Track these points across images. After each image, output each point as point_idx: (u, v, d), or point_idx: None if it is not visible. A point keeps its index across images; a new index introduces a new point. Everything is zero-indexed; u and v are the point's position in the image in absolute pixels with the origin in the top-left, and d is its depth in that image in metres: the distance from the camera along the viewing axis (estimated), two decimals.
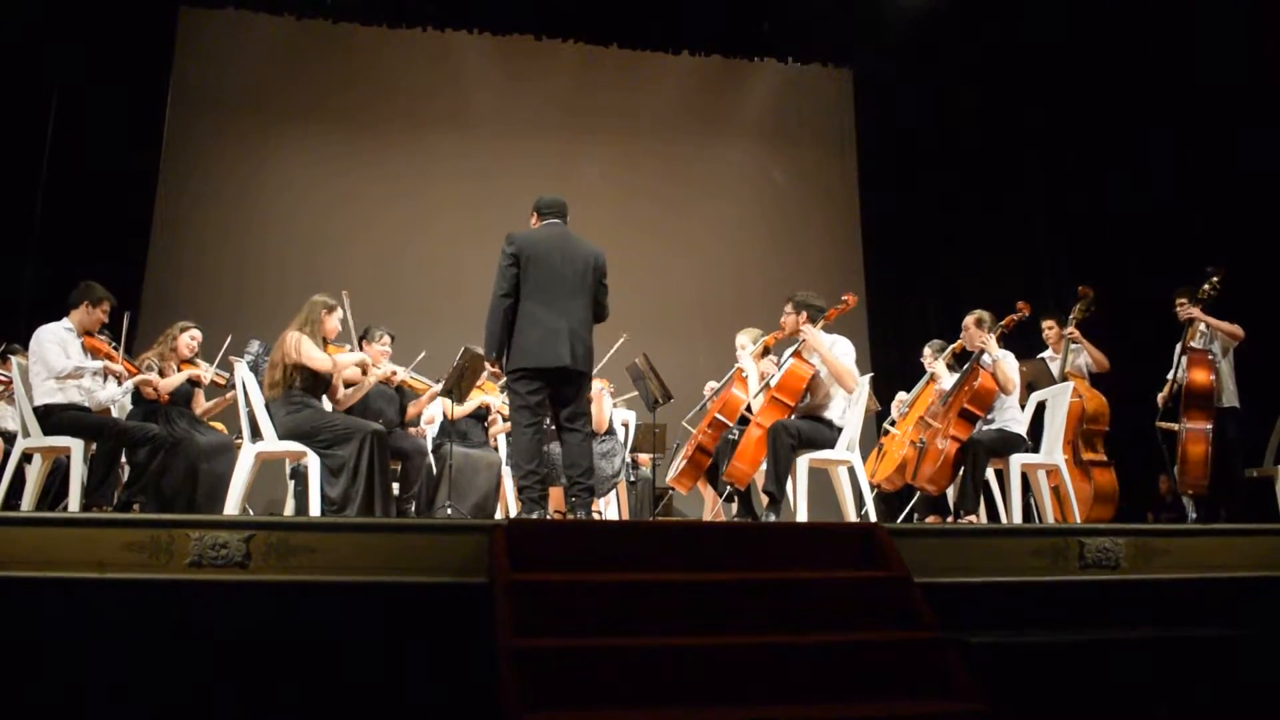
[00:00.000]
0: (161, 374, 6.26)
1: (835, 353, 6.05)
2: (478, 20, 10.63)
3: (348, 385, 6.04)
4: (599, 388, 7.09)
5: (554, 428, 5.53)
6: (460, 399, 6.74)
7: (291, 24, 10.42)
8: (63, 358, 5.80)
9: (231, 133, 10.53)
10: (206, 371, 6.50)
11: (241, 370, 5.82)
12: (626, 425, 7.93)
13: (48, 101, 9.22)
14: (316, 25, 10.42)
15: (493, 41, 10.94)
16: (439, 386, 6.71)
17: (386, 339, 6.64)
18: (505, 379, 5.41)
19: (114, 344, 6.20)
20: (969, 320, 6.48)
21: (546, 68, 11.17)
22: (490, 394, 7.28)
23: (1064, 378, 7.04)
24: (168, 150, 10.11)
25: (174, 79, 10.20)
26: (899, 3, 10.16)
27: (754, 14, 10.63)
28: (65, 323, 5.96)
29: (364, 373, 6.04)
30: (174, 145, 10.18)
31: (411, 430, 6.89)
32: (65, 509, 5.75)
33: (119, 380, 6.08)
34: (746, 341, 6.71)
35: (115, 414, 6.29)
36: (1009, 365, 6.24)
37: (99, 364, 5.98)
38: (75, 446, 5.71)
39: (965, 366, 6.45)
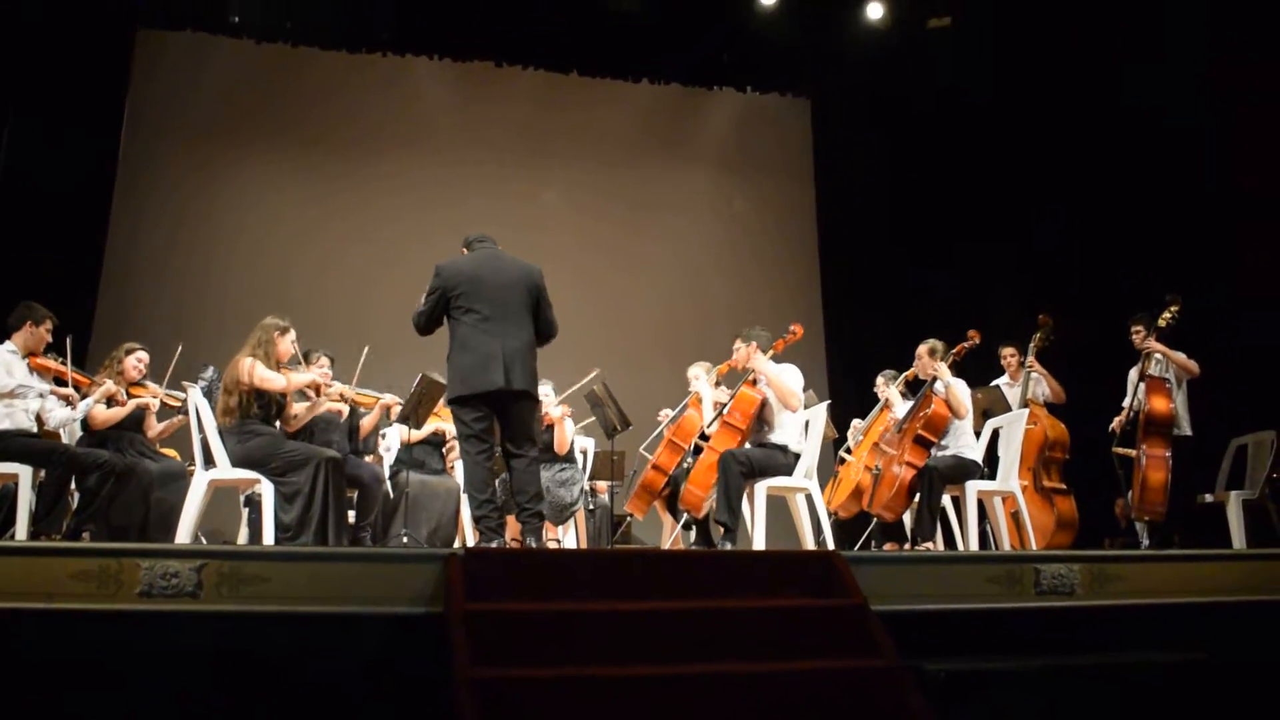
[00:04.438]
0: (110, 402, 6.12)
1: (783, 377, 6.13)
2: (437, 46, 10.66)
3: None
4: (560, 413, 7.09)
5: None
6: (418, 425, 6.70)
7: (250, 47, 10.36)
8: (4, 376, 5.67)
9: (188, 155, 10.44)
10: (155, 397, 6.36)
11: (195, 396, 5.74)
12: (585, 452, 7.91)
13: (2, 121, 9.11)
14: (276, 49, 10.38)
15: (453, 67, 10.95)
16: (388, 397, 6.68)
17: (325, 360, 6.59)
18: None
19: (61, 360, 6.07)
20: (922, 349, 6.57)
21: (506, 94, 11.18)
22: (446, 420, 7.24)
23: (1024, 405, 7.11)
24: (123, 173, 10.02)
25: (130, 100, 10.12)
26: (856, 34, 10.28)
27: (713, 44, 10.71)
28: (8, 345, 5.84)
29: (317, 393, 5.97)
30: (130, 168, 10.08)
31: (368, 457, 6.84)
32: (12, 537, 5.64)
33: (69, 402, 5.94)
34: (700, 372, 6.83)
35: (65, 438, 6.19)
36: (961, 391, 6.33)
37: (45, 386, 5.85)
38: (23, 473, 5.59)
39: (919, 394, 6.51)
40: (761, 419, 6.28)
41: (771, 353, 6.31)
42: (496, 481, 5.54)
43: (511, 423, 5.25)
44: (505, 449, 5.32)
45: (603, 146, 11.54)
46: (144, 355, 6.40)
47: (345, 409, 6.48)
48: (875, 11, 10.01)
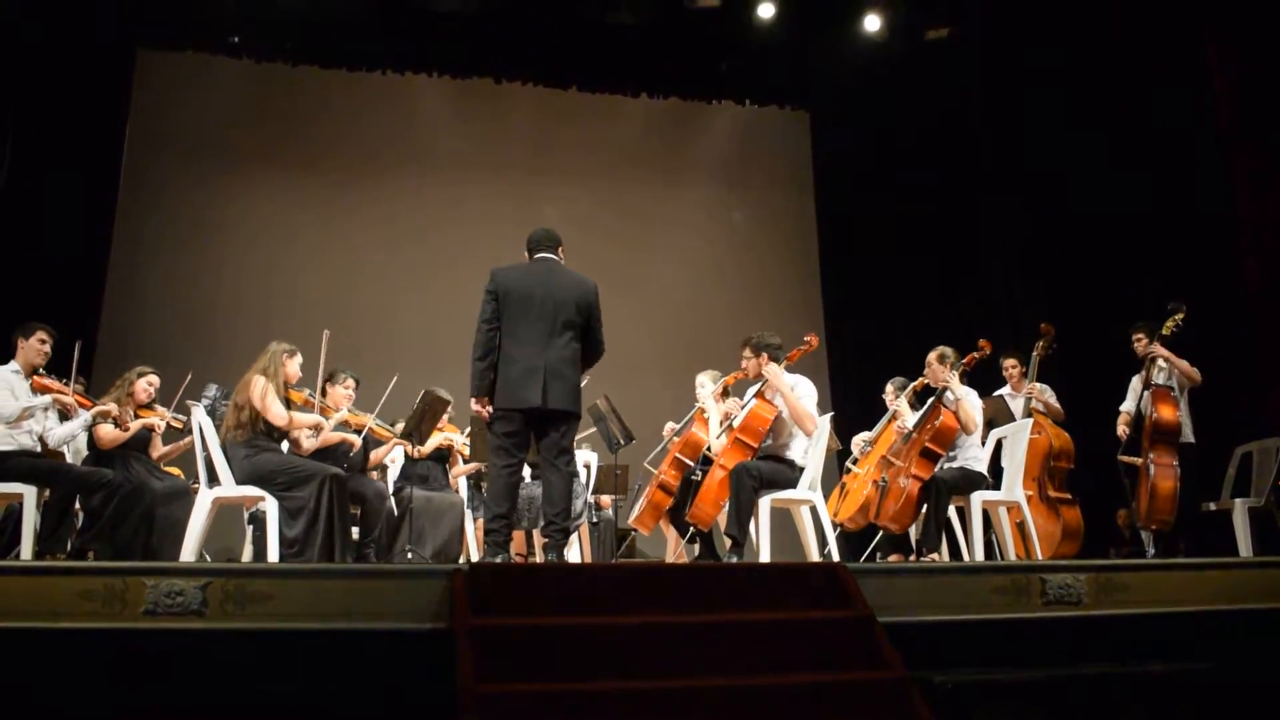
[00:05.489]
0: (118, 422, 6.11)
1: (797, 394, 6.06)
2: (437, 63, 10.70)
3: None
4: None
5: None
6: (421, 441, 6.69)
7: (250, 67, 10.40)
8: (11, 401, 5.65)
9: (189, 174, 10.47)
10: (162, 420, 6.36)
11: (198, 415, 5.74)
12: (588, 466, 7.90)
13: (3, 142, 9.12)
14: (275, 68, 10.42)
15: (452, 84, 10.99)
16: (400, 430, 6.68)
17: (351, 382, 6.61)
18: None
19: (64, 380, 6.03)
20: (932, 356, 6.48)
21: (506, 110, 11.22)
22: (452, 433, 7.22)
23: (1028, 414, 7.09)
24: (125, 192, 10.04)
25: (132, 121, 10.13)
26: (855, 46, 10.29)
27: (711, 57, 10.73)
28: (12, 365, 5.82)
29: (318, 432, 5.98)
30: (131, 188, 10.11)
31: (373, 473, 6.83)
32: (17, 557, 5.63)
33: (68, 413, 5.91)
34: (706, 381, 6.70)
35: (70, 458, 6.17)
36: (971, 404, 6.25)
37: (46, 399, 5.80)
38: (28, 493, 5.58)
39: (927, 405, 6.45)
40: (770, 430, 6.20)
41: (785, 364, 6.21)
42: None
43: (548, 437, 5.22)
44: (541, 461, 5.29)
45: (603, 160, 11.57)
46: (155, 379, 6.41)
47: (359, 441, 6.46)
48: (873, 23, 10.01)
